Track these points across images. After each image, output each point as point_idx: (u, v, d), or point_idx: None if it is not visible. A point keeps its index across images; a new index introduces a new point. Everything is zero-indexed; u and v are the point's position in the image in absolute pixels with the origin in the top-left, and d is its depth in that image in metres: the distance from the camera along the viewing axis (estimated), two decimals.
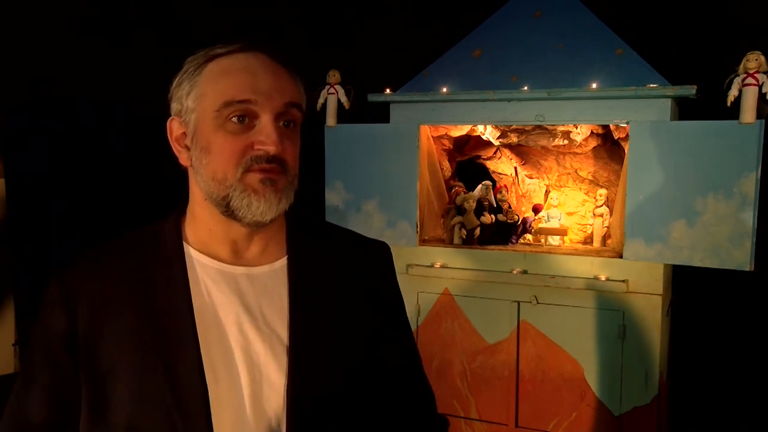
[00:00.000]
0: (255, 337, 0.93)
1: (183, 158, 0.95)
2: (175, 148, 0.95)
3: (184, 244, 0.97)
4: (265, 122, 0.89)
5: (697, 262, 2.15)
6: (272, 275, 0.98)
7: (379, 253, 1.10)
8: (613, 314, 2.31)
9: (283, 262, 0.99)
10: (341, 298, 1.00)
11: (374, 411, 1.01)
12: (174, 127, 0.95)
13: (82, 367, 0.90)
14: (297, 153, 0.94)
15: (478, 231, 2.64)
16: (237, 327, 0.93)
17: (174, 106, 0.94)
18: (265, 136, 0.88)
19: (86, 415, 0.90)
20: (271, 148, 0.88)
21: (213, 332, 0.92)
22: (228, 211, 0.90)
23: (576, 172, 2.83)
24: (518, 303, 2.44)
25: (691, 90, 2.12)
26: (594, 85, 2.26)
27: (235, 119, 0.88)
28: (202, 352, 0.90)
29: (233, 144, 0.88)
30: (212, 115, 0.88)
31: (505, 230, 2.69)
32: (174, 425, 0.87)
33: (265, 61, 0.91)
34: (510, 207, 2.77)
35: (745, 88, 2.04)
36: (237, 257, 0.97)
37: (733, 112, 2.08)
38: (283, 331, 0.94)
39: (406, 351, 1.10)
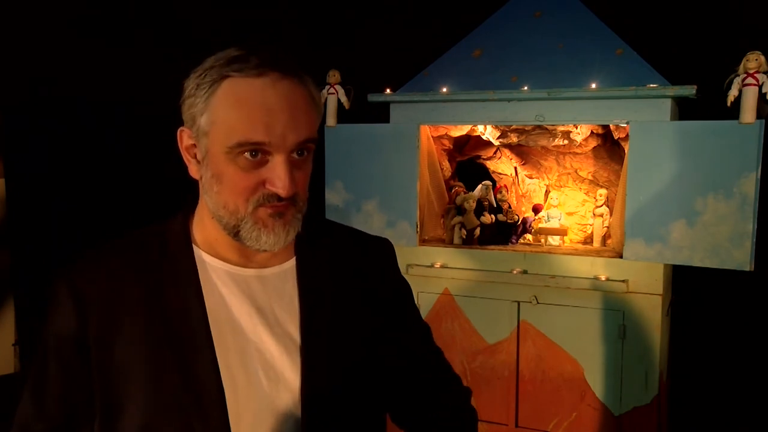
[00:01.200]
0: (268, 338, 0.93)
1: (192, 170, 0.94)
2: (185, 157, 0.94)
3: (193, 245, 0.96)
4: (278, 162, 0.86)
5: (697, 262, 2.15)
6: (282, 276, 0.98)
7: (382, 250, 1.11)
8: (613, 314, 2.30)
9: (291, 263, 1.00)
10: (348, 297, 1.01)
11: (391, 405, 1.04)
12: (184, 138, 0.93)
13: (95, 369, 0.90)
14: (308, 180, 0.93)
15: (478, 231, 2.64)
16: (250, 327, 0.93)
17: (186, 118, 0.91)
18: (277, 177, 0.86)
19: (100, 418, 0.90)
20: (282, 192, 0.86)
21: (227, 332, 0.92)
22: (236, 237, 0.90)
23: (576, 172, 2.83)
24: (518, 303, 2.44)
25: (691, 90, 2.12)
26: (594, 85, 2.26)
27: (247, 155, 0.86)
28: (217, 353, 0.90)
29: (245, 180, 0.87)
30: (224, 149, 0.86)
31: (505, 230, 2.69)
32: (191, 426, 0.87)
33: (281, 90, 0.86)
34: (510, 207, 2.77)
35: (745, 88, 2.04)
36: (246, 260, 0.97)
37: (733, 112, 2.08)
38: (295, 331, 0.95)
39: (420, 339, 1.12)
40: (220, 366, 0.90)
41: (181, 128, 0.93)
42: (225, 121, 0.86)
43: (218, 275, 0.95)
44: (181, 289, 0.92)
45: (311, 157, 0.93)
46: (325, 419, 0.93)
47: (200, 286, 0.93)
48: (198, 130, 0.89)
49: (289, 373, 0.93)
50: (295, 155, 0.88)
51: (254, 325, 0.93)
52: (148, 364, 0.89)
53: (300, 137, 0.87)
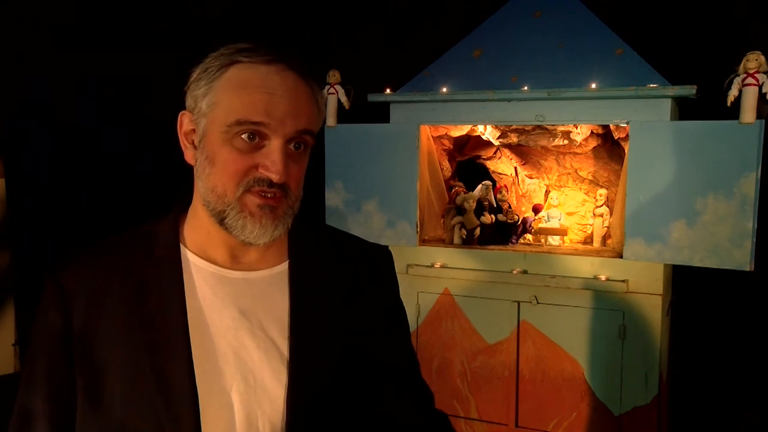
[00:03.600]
0: (250, 343, 0.92)
1: (189, 155, 0.93)
2: (183, 142, 0.94)
3: (181, 246, 0.96)
4: (274, 147, 0.86)
5: (697, 262, 2.15)
6: (270, 280, 0.97)
7: (381, 258, 1.09)
8: (613, 314, 2.30)
9: (282, 267, 0.99)
10: (341, 304, 0.99)
11: (373, 414, 1.00)
12: (184, 122, 0.93)
13: (77, 366, 0.90)
14: (302, 176, 0.92)
15: (478, 231, 2.64)
16: (232, 332, 0.92)
17: (188, 102, 0.92)
18: (271, 162, 0.86)
19: (81, 414, 0.91)
20: (275, 177, 0.86)
21: (206, 336, 0.91)
22: (222, 225, 0.89)
23: (576, 172, 2.83)
24: (518, 303, 2.44)
25: (691, 90, 2.12)
26: (594, 85, 2.26)
27: (244, 136, 0.86)
28: (194, 356, 0.89)
29: (238, 162, 0.86)
30: (222, 128, 0.86)
31: (505, 230, 2.69)
32: (162, 429, 0.87)
33: (286, 79, 0.87)
34: (510, 207, 2.77)
35: (745, 88, 2.04)
36: (235, 262, 0.96)
37: (733, 112, 2.08)
38: (279, 337, 0.94)
39: (405, 354, 1.09)
40: (196, 370, 0.89)
41: (183, 112, 0.93)
42: (226, 101, 0.86)
43: (204, 277, 0.94)
44: (163, 290, 0.92)
45: (308, 154, 0.93)
46: (308, 427, 0.91)
47: (183, 287, 0.92)
48: (199, 112, 0.89)
49: (270, 380, 0.91)
50: (291, 147, 0.89)
51: (236, 330, 0.92)
52: (124, 364, 0.89)
53: (299, 125, 0.87)
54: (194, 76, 0.91)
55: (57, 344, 0.91)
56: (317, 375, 0.93)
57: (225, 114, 0.86)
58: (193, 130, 0.92)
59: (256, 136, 0.86)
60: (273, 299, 0.96)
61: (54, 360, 0.92)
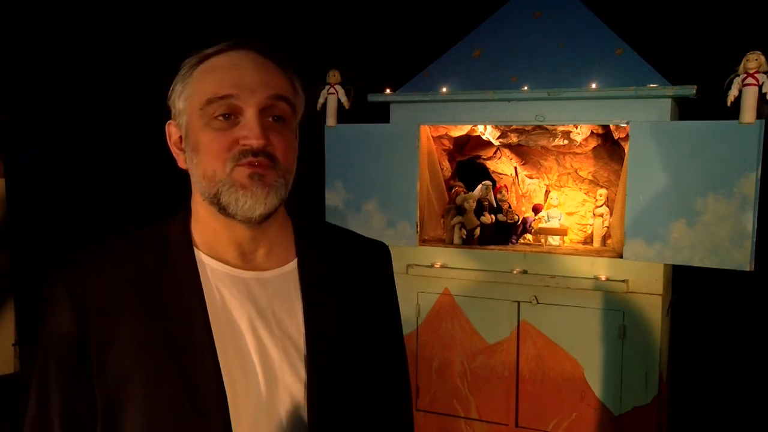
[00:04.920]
0: (269, 341, 0.93)
1: (180, 161, 0.95)
2: (174, 151, 0.96)
3: (193, 247, 0.96)
4: (249, 116, 0.88)
5: (697, 262, 2.15)
6: (282, 279, 0.98)
7: (380, 254, 1.10)
8: (613, 314, 2.31)
9: (291, 265, 0.99)
10: (348, 300, 1.00)
11: (369, 409, 1.01)
12: (172, 131, 0.95)
13: (95, 373, 0.89)
14: (288, 147, 0.92)
15: (478, 231, 2.64)
16: (251, 331, 0.92)
17: (172, 110, 0.94)
18: (248, 130, 0.87)
19: (102, 422, 0.89)
20: (254, 142, 0.87)
21: (228, 336, 0.91)
22: (220, 208, 0.90)
23: (576, 172, 2.83)
24: (518, 303, 2.44)
25: (691, 90, 2.12)
26: (594, 85, 2.26)
27: (220, 117, 0.88)
28: (218, 357, 0.89)
29: (219, 140, 0.88)
30: (198, 114, 0.89)
31: (505, 230, 2.69)
32: (191, 430, 0.87)
33: (253, 57, 0.90)
34: (510, 207, 2.77)
35: (745, 88, 2.04)
36: (245, 261, 0.96)
37: (733, 112, 2.08)
38: (296, 334, 0.94)
39: (397, 353, 1.11)
40: (222, 372, 0.89)
41: (168, 122, 0.95)
42: (198, 89, 0.89)
43: (218, 277, 0.94)
44: (181, 292, 0.91)
45: (291, 128, 0.94)
46: (329, 422, 0.93)
47: (202, 291, 0.92)
48: (178, 113, 0.92)
49: (289, 377, 0.92)
50: (270, 119, 0.90)
51: (254, 329, 0.93)
52: (147, 369, 0.88)
53: (269, 91, 0.89)
54: (171, 86, 0.94)
55: (71, 352, 0.89)
56: (333, 370, 0.94)
57: (198, 99, 0.89)
58: (180, 137, 0.94)
59: (231, 114, 0.88)
60: (286, 297, 0.97)
61: (68, 368, 0.89)
